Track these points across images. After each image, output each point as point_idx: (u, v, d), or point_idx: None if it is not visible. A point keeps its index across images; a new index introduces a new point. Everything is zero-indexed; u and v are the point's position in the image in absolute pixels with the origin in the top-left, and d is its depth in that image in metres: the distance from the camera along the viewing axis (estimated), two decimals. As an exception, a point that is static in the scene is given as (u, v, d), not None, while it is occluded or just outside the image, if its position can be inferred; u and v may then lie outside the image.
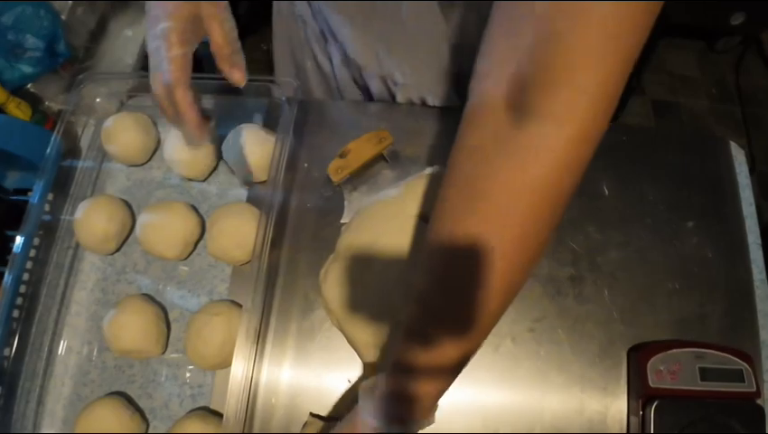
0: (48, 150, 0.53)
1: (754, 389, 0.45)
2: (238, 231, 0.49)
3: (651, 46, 1.18)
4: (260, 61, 1.50)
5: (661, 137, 0.58)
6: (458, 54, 0.52)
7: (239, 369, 0.44)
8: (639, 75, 1.30)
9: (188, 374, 0.50)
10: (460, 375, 0.45)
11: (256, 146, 0.52)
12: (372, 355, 0.44)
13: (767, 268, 0.53)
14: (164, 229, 0.50)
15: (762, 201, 1.40)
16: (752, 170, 1.40)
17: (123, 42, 0.64)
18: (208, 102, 0.58)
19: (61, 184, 0.55)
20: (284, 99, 0.54)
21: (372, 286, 0.45)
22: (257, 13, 1.52)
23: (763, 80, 1.54)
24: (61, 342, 0.52)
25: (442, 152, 0.55)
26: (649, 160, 0.56)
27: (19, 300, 0.51)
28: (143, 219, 0.51)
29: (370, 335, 0.44)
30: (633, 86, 1.34)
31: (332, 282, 0.46)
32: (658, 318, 0.50)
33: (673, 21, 1.31)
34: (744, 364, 0.46)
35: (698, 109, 1.52)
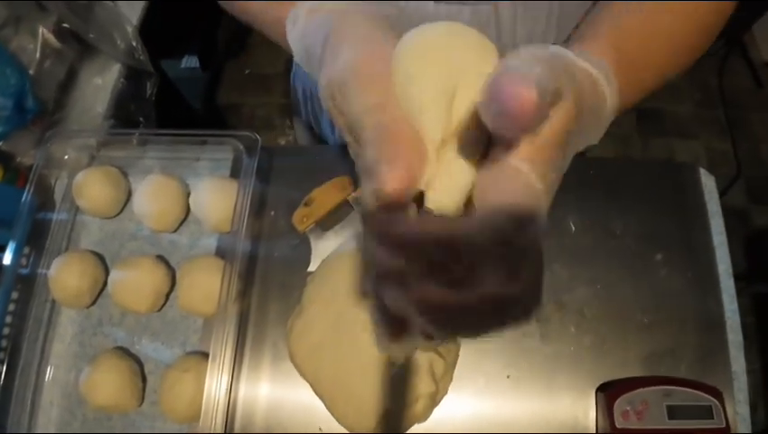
0: (20, 206, 0.54)
1: (723, 425, 0.45)
2: (207, 286, 0.49)
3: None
4: (247, 87, 1.48)
5: (630, 169, 0.58)
6: None
7: (207, 421, 0.46)
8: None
9: (165, 425, 0.51)
10: (431, 417, 0.46)
11: (220, 197, 0.53)
12: (337, 408, 0.45)
13: (738, 298, 0.53)
14: (134, 285, 0.51)
15: (749, 205, 1.39)
16: (737, 175, 1.39)
17: (93, 91, 0.64)
18: (172, 154, 0.58)
19: (37, 237, 0.56)
20: (242, 149, 0.54)
21: (336, 341, 0.45)
22: (236, 38, 1.52)
23: (747, 82, 1.52)
24: (43, 394, 0.53)
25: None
26: (617, 193, 0.56)
27: (1, 355, 0.52)
28: (113, 276, 0.52)
29: (336, 389, 0.45)
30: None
31: (297, 336, 0.47)
32: (627, 354, 0.50)
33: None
34: (714, 400, 0.46)
35: (682, 114, 1.50)
